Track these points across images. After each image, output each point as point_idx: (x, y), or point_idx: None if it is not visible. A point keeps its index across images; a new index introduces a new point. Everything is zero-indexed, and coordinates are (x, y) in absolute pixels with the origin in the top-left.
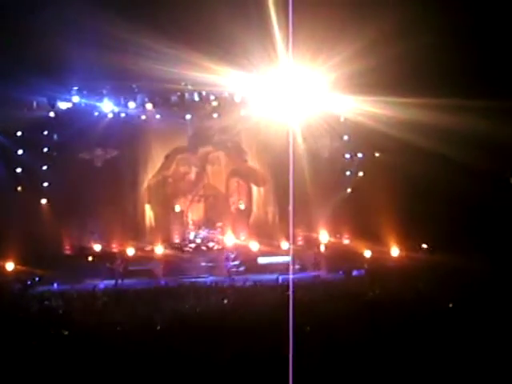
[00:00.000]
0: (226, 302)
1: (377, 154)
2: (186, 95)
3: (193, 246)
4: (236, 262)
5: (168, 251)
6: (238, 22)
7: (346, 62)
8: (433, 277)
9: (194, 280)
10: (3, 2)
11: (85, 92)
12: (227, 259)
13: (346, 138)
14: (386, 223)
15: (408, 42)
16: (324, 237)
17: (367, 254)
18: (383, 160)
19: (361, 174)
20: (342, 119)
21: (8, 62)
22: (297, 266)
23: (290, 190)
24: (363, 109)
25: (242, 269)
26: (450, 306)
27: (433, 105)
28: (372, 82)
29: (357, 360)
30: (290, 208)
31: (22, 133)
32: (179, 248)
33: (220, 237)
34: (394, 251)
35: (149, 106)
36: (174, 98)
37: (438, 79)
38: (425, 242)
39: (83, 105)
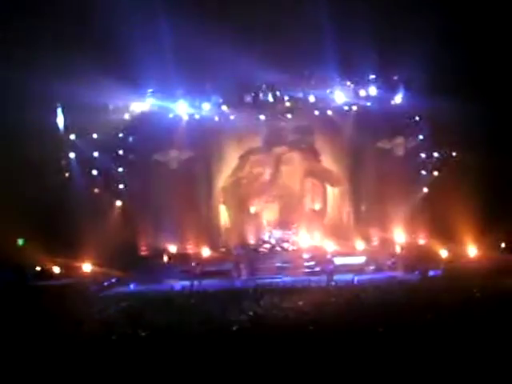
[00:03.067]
0: (301, 303)
1: (454, 153)
2: (260, 95)
3: (268, 246)
4: (312, 263)
5: (243, 252)
6: (313, 23)
7: (423, 60)
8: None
9: (269, 281)
10: (82, 8)
11: (159, 94)
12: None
13: (421, 137)
14: (463, 222)
15: (486, 40)
16: (400, 237)
17: (444, 253)
18: (460, 159)
19: (436, 173)
20: (417, 118)
21: (84, 67)
22: (372, 267)
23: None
24: (439, 107)
25: (317, 269)
26: None
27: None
28: (449, 81)
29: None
30: (363, 208)
31: (98, 136)
32: (254, 249)
33: (295, 237)
34: (472, 251)
35: (224, 107)
36: (248, 99)
37: None
38: (503, 242)
39: (158, 107)
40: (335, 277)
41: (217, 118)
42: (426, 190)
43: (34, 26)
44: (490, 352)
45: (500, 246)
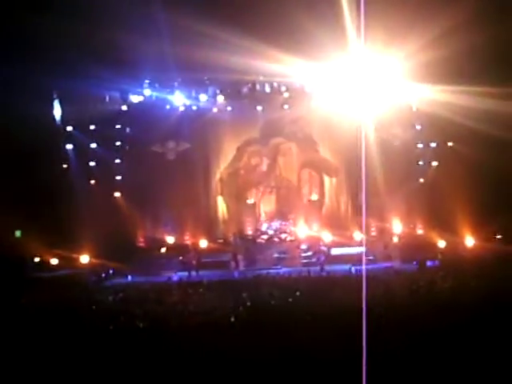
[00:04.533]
0: (298, 294)
1: (450, 144)
2: (257, 86)
3: (265, 237)
4: (309, 253)
5: (241, 243)
6: (309, 12)
7: (419, 51)
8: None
9: (267, 271)
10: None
11: (156, 85)
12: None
13: (418, 127)
14: (460, 213)
15: (483, 33)
16: (397, 227)
17: (441, 244)
18: (456, 150)
19: (435, 163)
20: (414, 109)
21: (81, 58)
22: (370, 257)
23: (363, 180)
24: (436, 98)
25: (314, 260)
26: None
27: (508, 95)
28: (445, 72)
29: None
30: (362, 198)
31: (95, 127)
32: (252, 239)
33: (292, 228)
34: (469, 241)
35: (220, 98)
36: (245, 90)
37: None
38: (499, 232)
39: (155, 98)
40: (333, 267)
41: (214, 109)
42: (422, 180)
43: (31, 18)
44: (485, 341)
45: (496, 236)
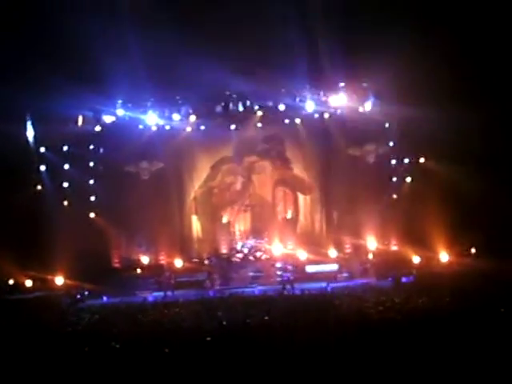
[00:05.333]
0: (274, 312)
1: (422, 160)
2: (231, 105)
3: (240, 256)
4: (284, 272)
5: (216, 262)
6: (282, 32)
7: (391, 70)
8: (482, 283)
9: (242, 290)
10: (50, 18)
11: (129, 105)
12: (285, 270)
13: (391, 143)
14: (434, 228)
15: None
16: (372, 243)
17: (416, 260)
18: (429, 165)
19: (409, 179)
20: (387, 125)
21: (53, 77)
22: (345, 274)
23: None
24: (409, 115)
25: (280, 279)
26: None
27: (478, 113)
28: (417, 88)
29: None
30: (335, 216)
31: (68, 147)
32: (227, 258)
33: (267, 246)
34: (443, 256)
35: (192, 117)
36: (218, 109)
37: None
38: (473, 247)
39: (128, 118)
40: (309, 285)
41: (187, 129)
42: (395, 196)
43: (2, 38)
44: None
45: (470, 251)
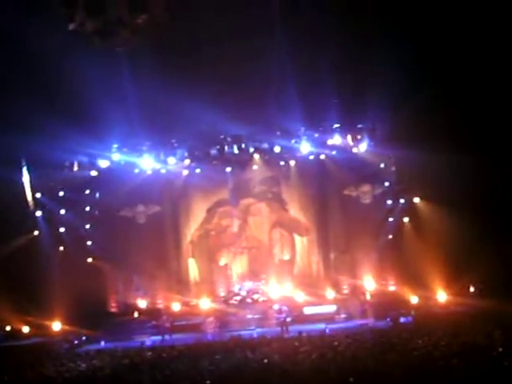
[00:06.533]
0: (273, 355)
1: (416, 200)
2: (226, 148)
3: (238, 298)
4: (283, 315)
5: (213, 305)
6: (276, 74)
7: (385, 111)
8: (482, 323)
9: (240, 333)
10: (46, 64)
11: (125, 149)
12: (279, 312)
13: (387, 184)
14: (432, 268)
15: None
16: (369, 284)
17: (414, 300)
18: (425, 205)
19: (406, 219)
20: (382, 165)
21: (48, 122)
22: (343, 315)
23: (333, 238)
24: (404, 155)
25: (288, 319)
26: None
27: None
28: (412, 131)
29: None
30: (332, 256)
31: (64, 192)
32: (224, 301)
33: (265, 288)
34: (441, 296)
35: (187, 161)
36: (213, 152)
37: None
38: (472, 285)
39: (123, 162)
40: (307, 326)
41: (183, 172)
42: (391, 236)
43: None
44: None
45: (469, 289)
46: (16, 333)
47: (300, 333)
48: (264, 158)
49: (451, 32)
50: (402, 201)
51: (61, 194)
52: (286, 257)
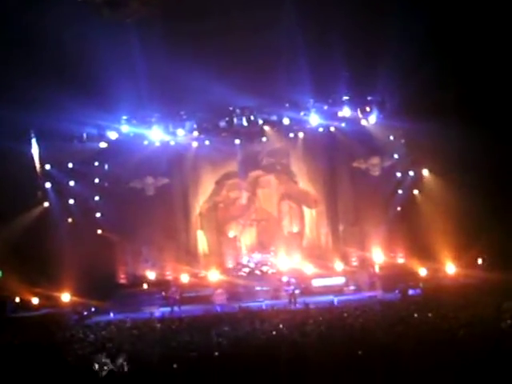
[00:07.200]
0: (281, 326)
1: (425, 173)
2: (235, 120)
3: (247, 270)
4: (291, 287)
5: (222, 277)
6: (286, 45)
7: (395, 83)
8: (491, 295)
9: (249, 305)
10: (55, 37)
11: (134, 121)
12: (287, 284)
13: (396, 156)
14: (440, 240)
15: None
16: (378, 256)
17: (422, 272)
18: (434, 178)
19: (415, 192)
20: (391, 138)
21: (57, 94)
22: (352, 287)
23: (342, 210)
24: (414, 127)
25: (297, 291)
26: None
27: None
28: (422, 102)
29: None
30: (341, 228)
31: (74, 164)
32: (233, 273)
33: (273, 260)
34: (450, 268)
35: (196, 133)
36: (222, 124)
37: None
38: (481, 258)
39: (132, 134)
40: (316, 298)
41: (192, 144)
42: (399, 208)
43: (7, 55)
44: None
45: (477, 261)
46: (25, 304)
47: (308, 304)
48: (273, 130)
49: (463, 4)
50: (411, 173)
51: (70, 165)
52: (295, 229)
